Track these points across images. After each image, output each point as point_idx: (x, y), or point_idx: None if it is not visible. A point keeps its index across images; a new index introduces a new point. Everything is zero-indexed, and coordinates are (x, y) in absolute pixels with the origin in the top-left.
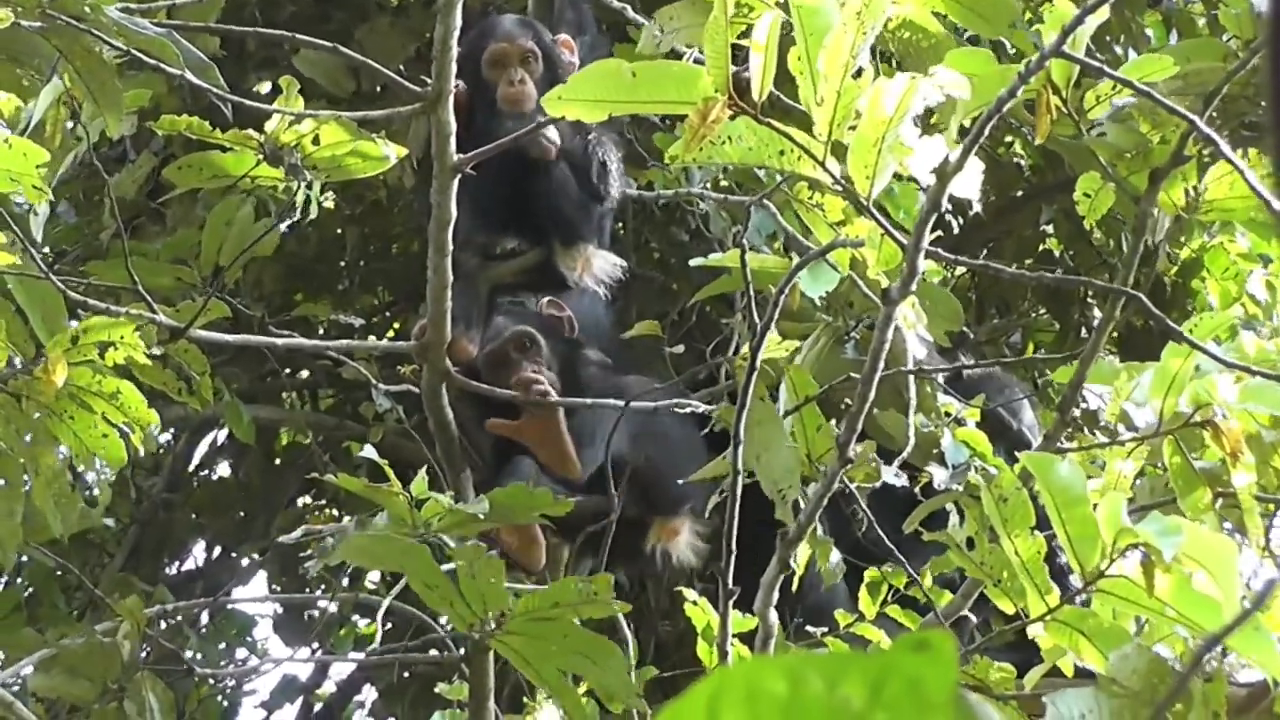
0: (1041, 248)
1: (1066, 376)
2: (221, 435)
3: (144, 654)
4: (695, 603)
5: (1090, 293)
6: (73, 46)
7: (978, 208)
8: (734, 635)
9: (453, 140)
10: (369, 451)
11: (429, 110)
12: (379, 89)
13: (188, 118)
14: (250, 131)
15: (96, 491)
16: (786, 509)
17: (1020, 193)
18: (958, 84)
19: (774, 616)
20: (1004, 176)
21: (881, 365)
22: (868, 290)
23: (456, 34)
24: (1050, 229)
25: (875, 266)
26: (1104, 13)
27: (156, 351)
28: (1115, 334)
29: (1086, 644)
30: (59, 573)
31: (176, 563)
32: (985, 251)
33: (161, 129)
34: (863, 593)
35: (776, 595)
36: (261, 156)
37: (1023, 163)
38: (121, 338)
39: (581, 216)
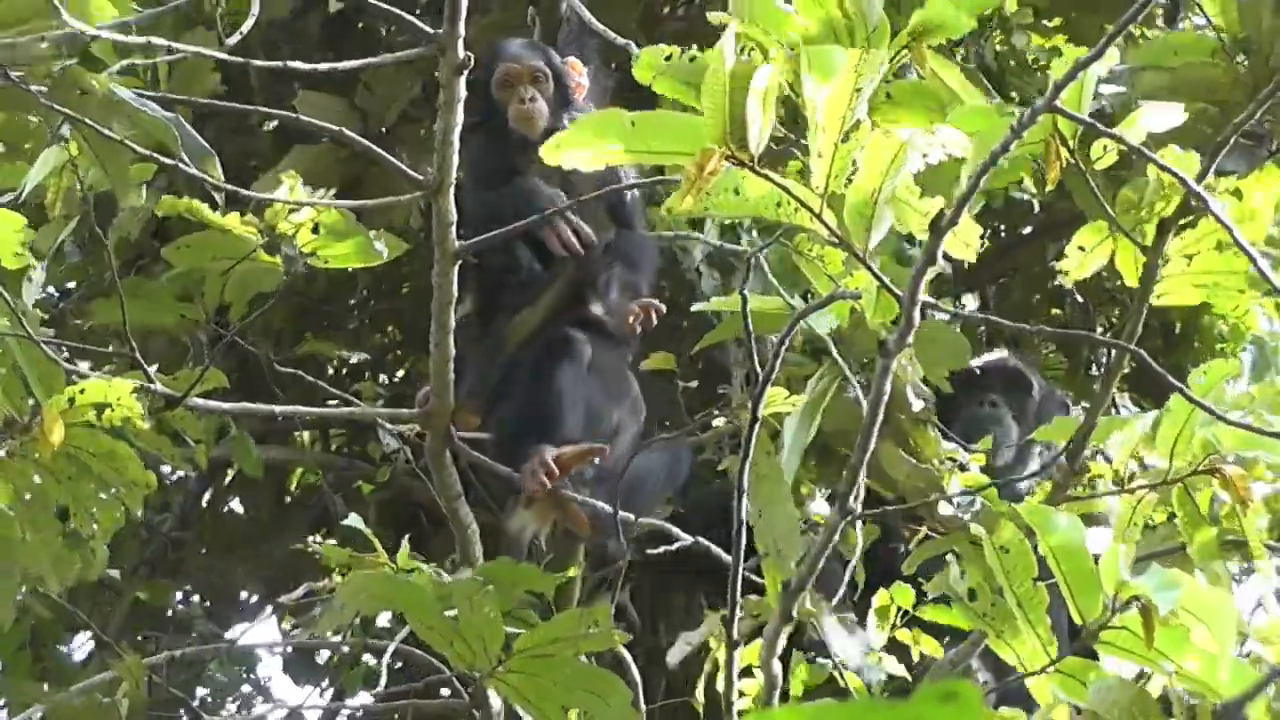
0: (1052, 283)
1: (1063, 435)
2: (232, 474)
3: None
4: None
5: (1100, 331)
6: (82, 116)
7: (985, 244)
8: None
9: (453, 229)
10: (354, 520)
11: (429, 198)
12: (384, 130)
13: (187, 200)
14: (250, 218)
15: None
16: (786, 567)
17: (1029, 229)
18: (958, 142)
19: (778, 668)
20: (1012, 212)
21: (880, 416)
22: (841, 360)
23: (459, 129)
24: (1059, 264)
25: (873, 319)
26: (1112, 57)
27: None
28: (1126, 370)
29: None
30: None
31: (185, 601)
32: (995, 288)
33: (162, 210)
34: (872, 618)
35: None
36: (261, 243)
37: (1032, 198)
38: (119, 399)
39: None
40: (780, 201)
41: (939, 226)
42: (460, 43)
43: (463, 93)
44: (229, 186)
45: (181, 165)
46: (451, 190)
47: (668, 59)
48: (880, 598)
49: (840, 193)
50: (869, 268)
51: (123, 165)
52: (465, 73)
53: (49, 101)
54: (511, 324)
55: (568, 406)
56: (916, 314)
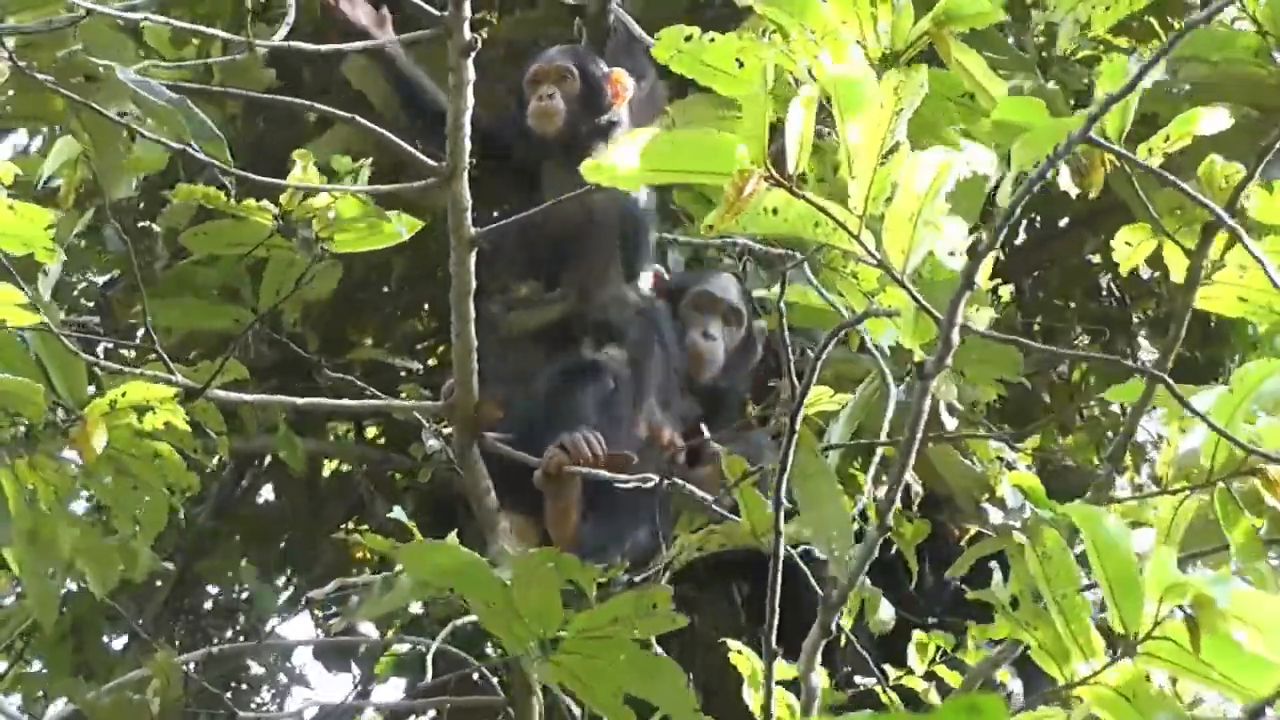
0: (1089, 275)
1: (1126, 395)
2: (266, 463)
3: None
4: (740, 652)
5: (1137, 321)
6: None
7: (1023, 235)
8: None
9: (468, 214)
10: (398, 514)
11: (444, 185)
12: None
13: (204, 187)
14: (265, 204)
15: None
16: (840, 564)
17: (1066, 220)
18: (986, 161)
19: (816, 680)
20: (1050, 204)
21: (919, 435)
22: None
23: (469, 113)
24: (1096, 258)
25: (909, 340)
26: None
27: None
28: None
29: (1133, 712)
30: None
31: (221, 592)
32: (1031, 280)
33: (178, 198)
34: (911, 650)
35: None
36: (276, 228)
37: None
38: (161, 402)
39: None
40: (818, 222)
41: (977, 251)
42: (466, 25)
43: (471, 75)
44: (238, 171)
45: (190, 150)
46: (465, 176)
47: (687, 39)
48: (919, 637)
49: (878, 214)
50: (909, 291)
51: (116, 153)
52: (473, 54)
53: (55, 88)
54: (507, 317)
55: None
56: (955, 336)
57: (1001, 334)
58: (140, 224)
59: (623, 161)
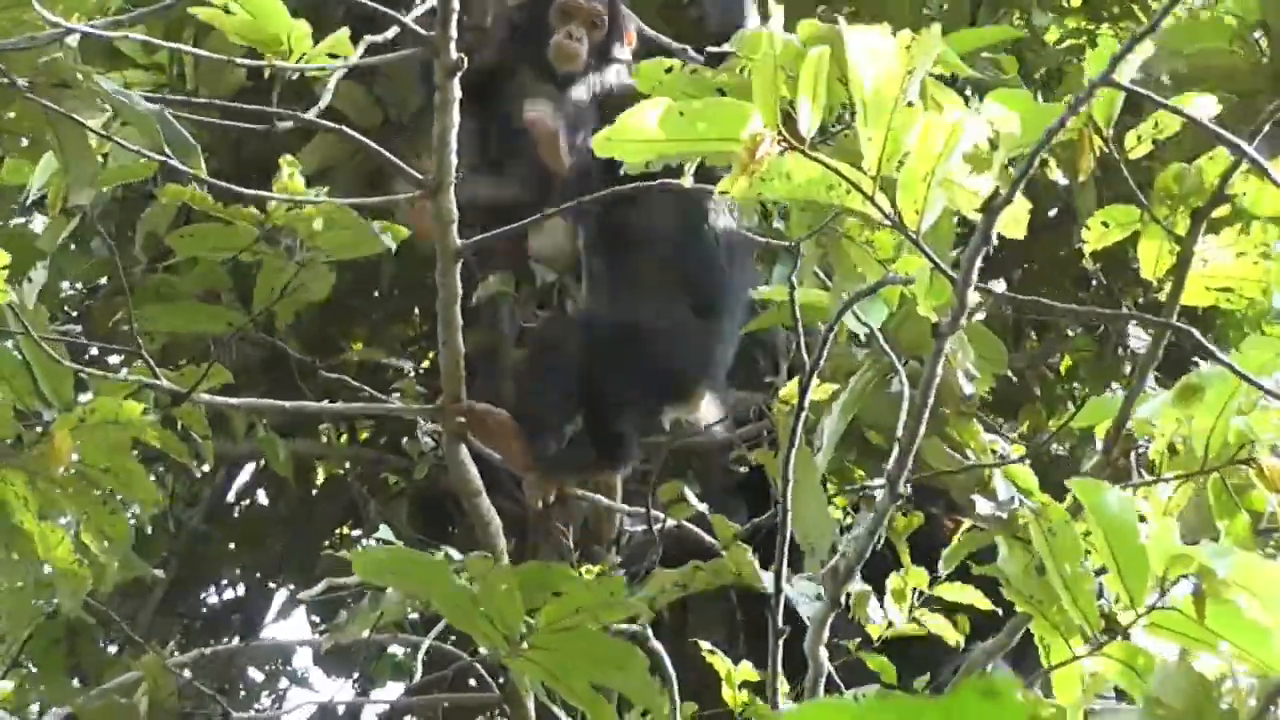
0: (1076, 268)
1: (1100, 417)
2: (258, 467)
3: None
4: (713, 651)
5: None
6: (57, 112)
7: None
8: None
9: (454, 227)
10: (385, 533)
11: (429, 197)
12: (405, 120)
13: (192, 189)
14: (252, 209)
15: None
16: (814, 562)
17: (1053, 212)
18: (1007, 120)
19: (824, 654)
20: (1037, 197)
21: (931, 398)
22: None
23: (455, 129)
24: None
25: (924, 302)
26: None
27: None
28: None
29: (1139, 681)
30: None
31: (215, 595)
32: (1020, 273)
33: (166, 197)
34: (889, 600)
35: None
36: (261, 235)
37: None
38: (129, 419)
39: None
40: (831, 185)
41: (993, 207)
42: (453, 45)
43: (457, 94)
44: (211, 179)
45: (166, 160)
46: (451, 190)
47: (668, 71)
48: (894, 581)
49: (892, 176)
50: (922, 249)
51: (87, 162)
52: (459, 74)
53: (31, 96)
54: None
55: None
56: (970, 295)
57: (996, 323)
58: (121, 229)
59: (634, 133)
